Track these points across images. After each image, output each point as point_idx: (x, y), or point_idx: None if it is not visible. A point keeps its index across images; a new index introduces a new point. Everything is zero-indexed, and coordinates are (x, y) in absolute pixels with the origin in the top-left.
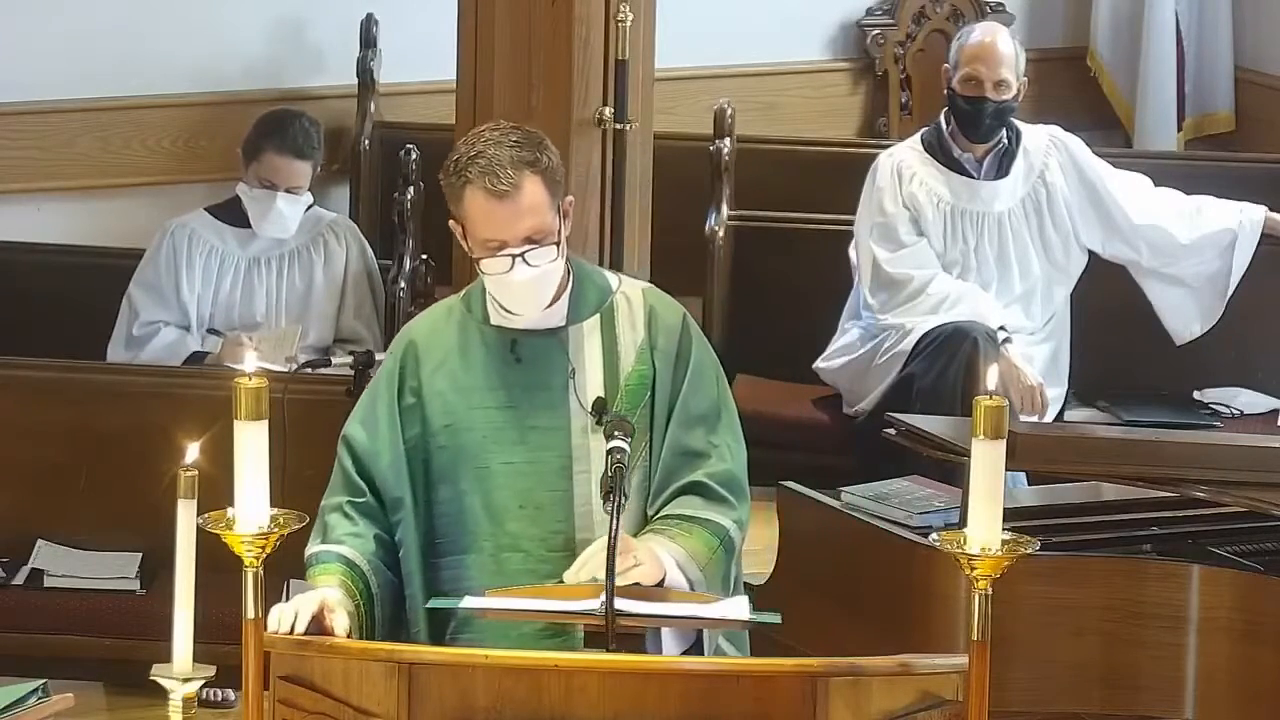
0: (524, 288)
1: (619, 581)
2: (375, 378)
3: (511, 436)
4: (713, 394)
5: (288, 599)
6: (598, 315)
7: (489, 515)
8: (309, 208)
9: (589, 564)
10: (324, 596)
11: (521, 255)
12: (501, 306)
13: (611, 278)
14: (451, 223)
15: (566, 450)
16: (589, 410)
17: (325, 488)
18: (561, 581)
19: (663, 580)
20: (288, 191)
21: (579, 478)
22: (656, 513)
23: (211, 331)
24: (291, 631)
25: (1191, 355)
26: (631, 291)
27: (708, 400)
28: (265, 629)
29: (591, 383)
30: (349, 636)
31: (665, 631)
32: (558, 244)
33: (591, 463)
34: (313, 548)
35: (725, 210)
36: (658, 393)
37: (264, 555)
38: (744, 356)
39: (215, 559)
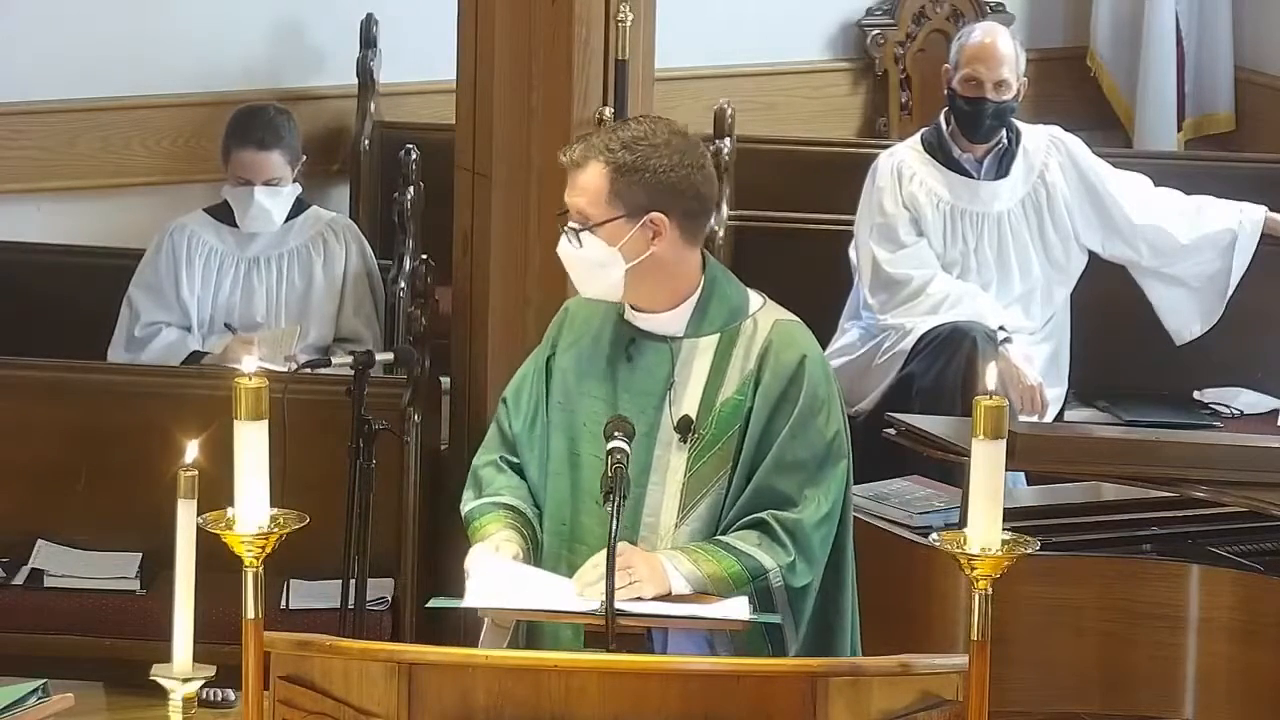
0: (567, 262)
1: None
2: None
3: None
4: (816, 445)
5: (288, 599)
6: (719, 335)
7: (572, 502)
8: (303, 201)
9: (583, 578)
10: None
11: (573, 229)
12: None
13: (755, 301)
14: None
15: (646, 459)
16: (674, 426)
17: (325, 487)
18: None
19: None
20: (265, 185)
21: (651, 489)
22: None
23: (225, 327)
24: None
25: (1191, 355)
26: (763, 320)
27: (809, 450)
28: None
29: (688, 399)
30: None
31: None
32: (594, 231)
33: (666, 476)
34: (469, 504)
35: (725, 210)
36: (751, 427)
37: (264, 555)
38: None
39: (215, 559)
